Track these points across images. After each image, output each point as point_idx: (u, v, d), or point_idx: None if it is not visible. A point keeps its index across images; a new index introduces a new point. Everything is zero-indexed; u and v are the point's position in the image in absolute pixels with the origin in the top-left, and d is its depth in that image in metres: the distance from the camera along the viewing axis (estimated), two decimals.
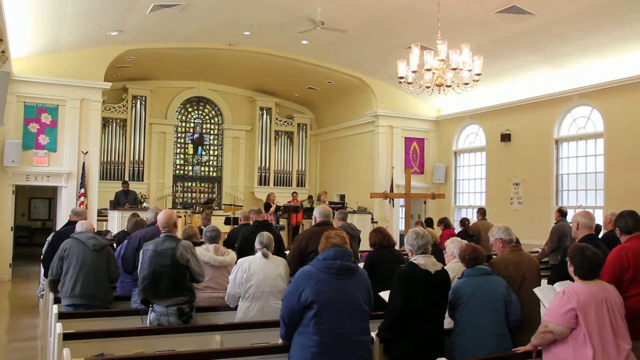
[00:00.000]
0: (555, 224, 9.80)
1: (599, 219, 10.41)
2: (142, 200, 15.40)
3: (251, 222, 8.31)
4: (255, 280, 5.27)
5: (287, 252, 10.76)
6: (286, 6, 11.42)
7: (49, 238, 8.50)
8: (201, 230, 7.28)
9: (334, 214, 7.04)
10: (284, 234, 15.10)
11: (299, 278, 3.80)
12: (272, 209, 15.04)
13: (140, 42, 13.81)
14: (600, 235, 6.32)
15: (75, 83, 13.33)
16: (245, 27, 12.97)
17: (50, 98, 13.17)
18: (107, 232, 11.48)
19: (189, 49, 14.80)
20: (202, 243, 6.20)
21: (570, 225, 8.80)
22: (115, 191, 14.62)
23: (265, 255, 5.42)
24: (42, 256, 8.79)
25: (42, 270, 8.52)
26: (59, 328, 4.33)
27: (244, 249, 6.85)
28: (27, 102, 12.99)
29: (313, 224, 6.18)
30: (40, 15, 10.77)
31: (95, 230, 6.47)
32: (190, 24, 12.55)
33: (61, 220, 12.69)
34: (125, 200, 14.11)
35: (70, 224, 7.34)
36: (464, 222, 11.24)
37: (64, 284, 5.77)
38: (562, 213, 9.88)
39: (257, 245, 5.49)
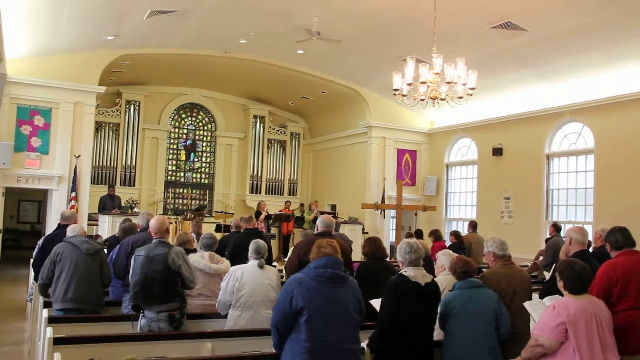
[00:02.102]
0: (549, 238, 9.87)
1: (589, 234, 10.48)
2: (133, 205, 15.35)
3: (242, 230, 8.31)
4: (247, 290, 5.27)
5: (275, 262, 10.82)
6: (283, 16, 11.48)
7: (40, 242, 8.43)
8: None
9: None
10: (274, 243, 15.10)
11: (290, 284, 3.84)
12: (262, 217, 15.04)
13: (135, 47, 13.81)
14: (590, 251, 6.36)
15: (69, 86, 13.31)
16: (241, 35, 13.02)
17: (43, 100, 13.13)
18: (98, 236, 11.43)
19: (184, 55, 14.81)
20: (195, 250, 6.20)
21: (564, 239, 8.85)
22: (101, 195, 14.56)
23: (260, 266, 5.42)
24: (32, 260, 8.73)
25: (32, 274, 8.45)
26: (49, 332, 4.31)
27: (235, 257, 6.84)
28: (20, 104, 12.94)
29: (315, 233, 6.20)
30: (36, 17, 10.76)
31: (86, 235, 6.43)
32: (187, 30, 12.58)
33: (51, 224, 12.62)
34: (112, 204, 14.05)
35: (61, 228, 7.27)
36: (457, 234, 11.29)
37: (55, 288, 5.72)
38: (556, 228, 9.97)
39: (251, 254, 5.49)
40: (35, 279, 6.74)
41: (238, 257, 6.79)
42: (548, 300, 4.21)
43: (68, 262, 5.75)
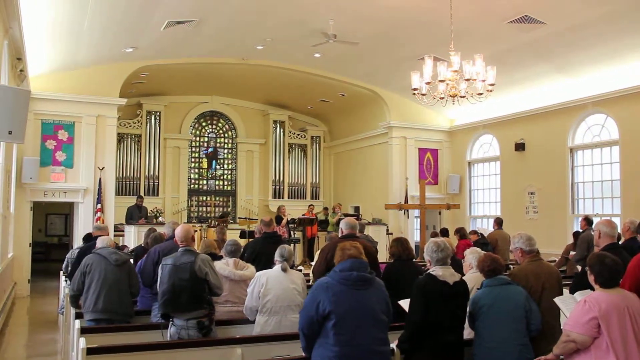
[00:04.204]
0: (582, 232, 9.75)
1: (617, 227, 10.34)
2: (158, 215, 15.48)
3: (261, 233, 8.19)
4: (272, 295, 5.29)
5: (301, 267, 10.80)
6: (298, 20, 11.52)
7: (69, 255, 8.55)
8: (218, 243, 7.32)
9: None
10: (299, 247, 15.09)
11: (316, 289, 3.82)
12: (284, 221, 15.02)
13: (154, 58, 13.97)
14: (619, 244, 6.27)
15: (91, 100, 13.51)
16: (258, 41, 13.09)
17: (66, 115, 13.35)
18: (124, 247, 11.56)
19: (202, 64, 14.94)
20: (221, 257, 6.23)
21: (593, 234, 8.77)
22: (129, 206, 14.73)
23: (284, 270, 5.43)
24: (63, 272, 8.85)
25: (62, 287, 8.60)
26: (82, 343, 4.37)
27: (253, 261, 6.81)
28: (44, 119, 13.17)
29: (340, 235, 6.19)
30: (57, 34, 10.95)
31: (116, 245, 6.54)
32: (204, 39, 12.68)
33: (78, 236, 12.80)
34: (139, 214, 14.19)
35: (94, 239, 7.40)
36: (476, 232, 11.23)
37: (86, 299, 5.82)
38: (588, 222, 9.85)
39: (277, 257, 5.51)
40: None
41: (256, 261, 6.78)
42: (579, 295, 4.15)
43: (97, 273, 5.85)
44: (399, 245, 5.84)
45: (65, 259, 8.53)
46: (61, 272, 9.32)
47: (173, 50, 13.53)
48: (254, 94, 18.87)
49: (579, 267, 8.68)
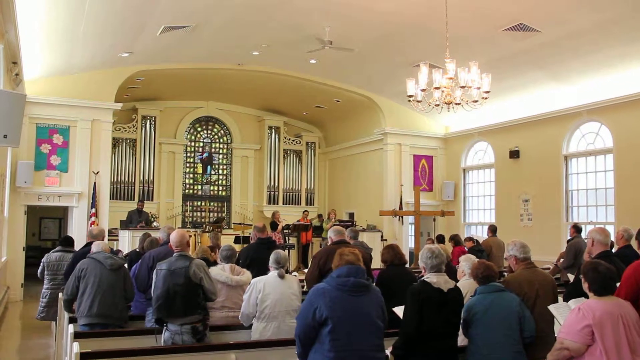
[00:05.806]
0: (570, 240, 9.78)
1: (611, 235, 10.37)
2: (152, 219, 15.44)
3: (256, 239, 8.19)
4: (270, 301, 5.29)
5: (295, 272, 10.79)
6: (295, 26, 11.55)
7: (44, 259, 8.41)
8: (212, 248, 7.30)
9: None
10: (293, 253, 15.10)
11: (312, 295, 3.83)
12: (280, 227, 15.01)
13: (150, 63, 13.97)
14: (613, 252, 6.30)
15: (86, 104, 13.49)
16: (254, 47, 13.11)
17: (61, 119, 13.33)
18: (119, 251, 11.52)
19: (198, 69, 14.95)
20: (215, 263, 6.23)
21: (586, 241, 8.80)
22: (127, 210, 14.69)
23: (281, 276, 5.44)
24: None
25: (43, 291, 8.53)
26: (75, 348, 4.35)
27: (247, 267, 6.82)
28: (39, 123, 13.14)
29: (329, 244, 6.21)
30: (53, 38, 10.93)
31: (111, 250, 6.50)
32: (200, 44, 12.70)
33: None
34: (138, 219, 14.15)
35: (89, 245, 7.34)
36: (471, 238, 11.25)
37: (80, 303, 5.80)
38: (577, 229, 9.87)
39: (272, 264, 5.51)
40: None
41: (250, 267, 6.77)
42: (573, 302, 4.17)
43: (92, 278, 5.83)
44: (391, 251, 5.88)
45: (41, 263, 8.42)
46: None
47: (169, 56, 13.53)
48: (250, 99, 18.88)
49: (569, 275, 8.72)
